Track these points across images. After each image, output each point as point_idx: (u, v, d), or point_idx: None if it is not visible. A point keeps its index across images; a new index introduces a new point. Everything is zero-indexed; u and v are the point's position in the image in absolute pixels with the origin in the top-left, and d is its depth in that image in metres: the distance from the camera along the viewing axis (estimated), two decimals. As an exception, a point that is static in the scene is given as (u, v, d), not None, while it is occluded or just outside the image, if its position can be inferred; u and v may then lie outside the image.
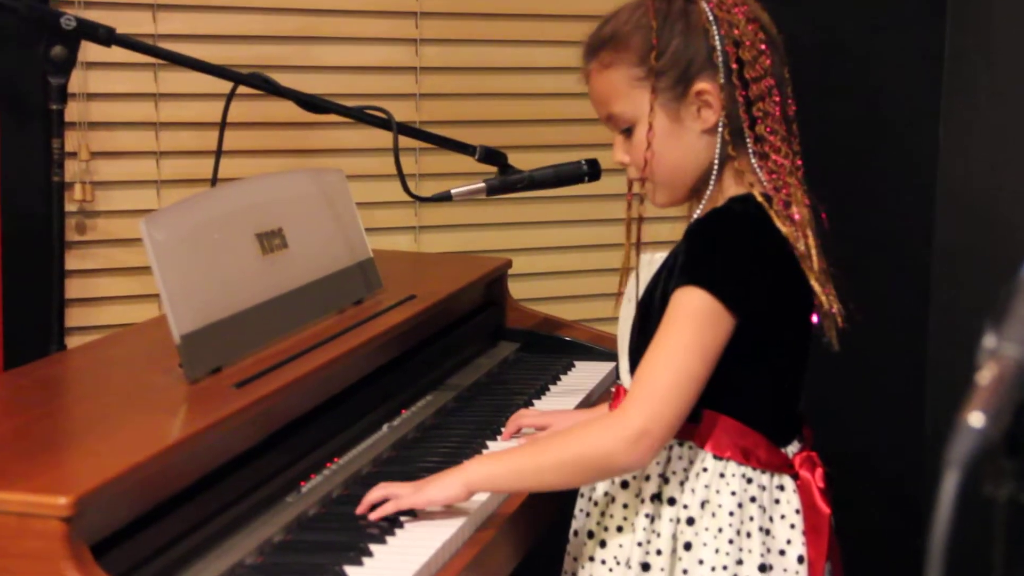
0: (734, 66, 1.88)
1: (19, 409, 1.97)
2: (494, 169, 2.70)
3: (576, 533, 2.02)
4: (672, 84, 1.90)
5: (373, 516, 1.89)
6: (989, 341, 0.76)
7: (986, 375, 0.75)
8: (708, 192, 1.92)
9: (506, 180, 2.67)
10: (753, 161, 1.89)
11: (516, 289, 3.07)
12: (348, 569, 1.76)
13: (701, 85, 1.89)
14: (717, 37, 1.88)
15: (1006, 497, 0.76)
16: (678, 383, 1.80)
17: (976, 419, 0.72)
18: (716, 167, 1.91)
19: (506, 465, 1.91)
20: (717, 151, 1.90)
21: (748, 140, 1.89)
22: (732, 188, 1.91)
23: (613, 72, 1.94)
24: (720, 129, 1.89)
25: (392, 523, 1.90)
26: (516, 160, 2.73)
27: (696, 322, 1.81)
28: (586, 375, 2.74)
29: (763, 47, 1.89)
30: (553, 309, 3.15)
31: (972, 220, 3.56)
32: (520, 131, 3.52)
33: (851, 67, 3.63)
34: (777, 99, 1.89)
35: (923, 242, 3.60)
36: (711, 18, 1.89)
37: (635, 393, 1.82)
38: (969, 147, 3.64)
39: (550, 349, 2.91)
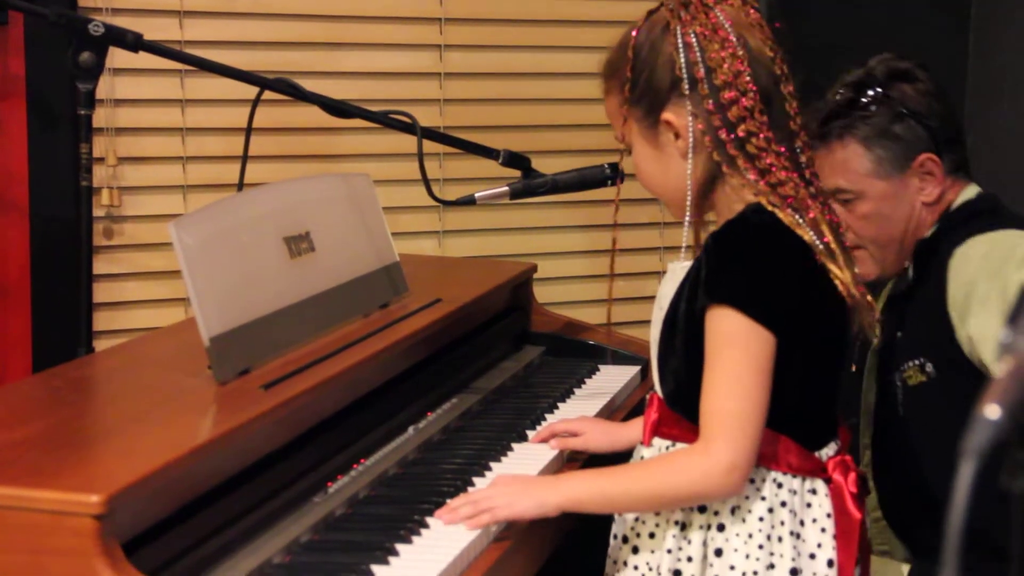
0: (704, 91, 1.88)
1: (52, 409, 1.99)
2: (518, 173, 2.71)
3: (615, 537, 2.03)
4: (644, 114, 1.95)
5: (471, 524, 1.90)
6: (1005, 335, 0.78)
7: (1003, 368, 0.76)
8: (713, 207, 1.94)
9: (529, 184, 2.69)
10: (750, 175, 1.88)
11: (541, 293, 3.09)
12: (375, 568, 1.78)
13: (667, 115, 1.92)
14: (684, 65, 1.89)
15: (1023, 489, 0.77)
16: (748, 408, 1.81)
17: (992, 411, 0.73)
18: (699, 190, 1.92)
19: (598, 489, 1.93)
20: (689, 177, 1.92)
21: (737, 158, 1.88)
22: (738, 201, 1.92)
23: (609, 99, 2.01)
24: (690, 156, 1.91)
25: (419, 523, 1.92)
26: (539, 164, 2.74)
27: (741, 344, 1.82)
28: (611, 379, 2.75)
29: (741, 67, 1.88)
30: (578, 313, 3.16)
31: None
32: (543, 136, 3.54)
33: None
34: (764, 117, 1.88)
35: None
36: (679, 45, 1.90)
37: (712, 428, 1.83)
38: (995, 149, 3.64)
39: (575, 353, 2.92)
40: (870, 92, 2.45)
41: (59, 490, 1.56)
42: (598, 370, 2.81)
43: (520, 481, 1.99)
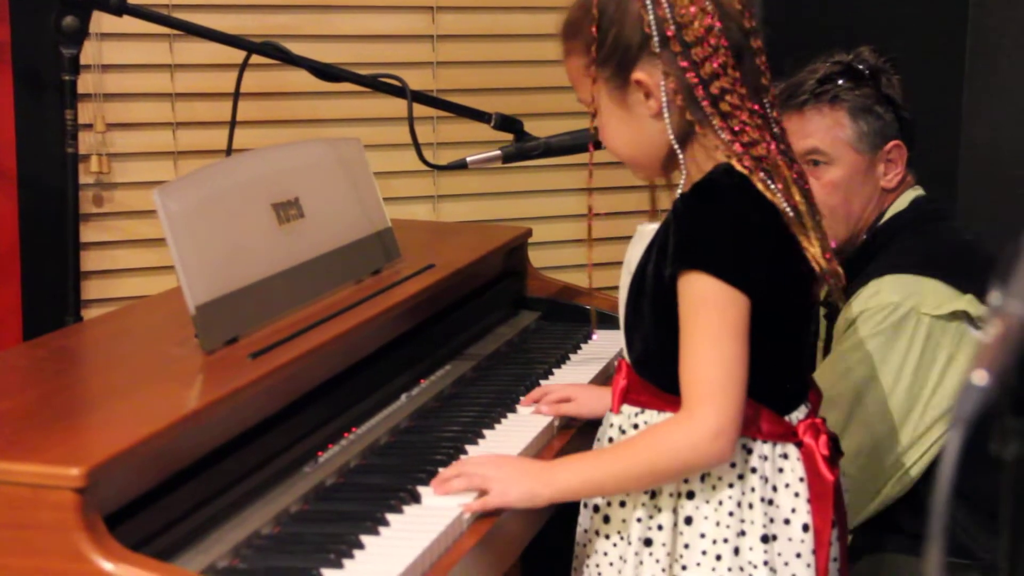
0: (677, 48, 1.83)
1: (36, 380, 1.97)
2: (511, 136, 2.69)
3: (586, 506, 2.01)
4: (613, 74, 1.89)
5: (466, 508, 1.86)
6: (995, 298, 0.75)
7: (991, 332, 0.74)
8: (683, 169, 1.90)
9: (522, 147, 2.67)
10: (724, 136, 1.85)
11: (536, 257, 3.06)
12: (364, 538, 1.75)
13: (638, 75, 1.87)
14: (653, 22, 1.84)
15: (1013, 456, 0.75)
16: (728, 372, 1.78)
17: (980, 377, 0.71)
18: (676, 150, 1.88)
19: (588, 477, 1.89)
20: (670, 135, 1.88)
21: (712, 117, 1.85)
22: (708, 161, 1.88)
23: (571, 60, 1.95)
24: (667, 115, 1.86)
25: (410, 493, 1.89)
26: (532, 127, 2.72)
27: (716, 308, 1.79)
28: (606, 344, 2.72)
29: (712, 22, 1.83)
30: (574, 277, 3.13)
31: (994, 185, 3.54)
32: (536, 98, 3.51)
33: (873, 34, 3.60)
34: (736, 73, 1.85)
35: (946, 205, 3.59)
36: (647, 2, 1.85)
37: (695, 395, 1.80)
38: (992, 112, 3.62)
39: (570, 318, 2.90)
40: (861, 68, 2.55)
41: (39, 463, 1.54)
42: (594, 335, 2.78)
43: (513, 465, 1.95)
